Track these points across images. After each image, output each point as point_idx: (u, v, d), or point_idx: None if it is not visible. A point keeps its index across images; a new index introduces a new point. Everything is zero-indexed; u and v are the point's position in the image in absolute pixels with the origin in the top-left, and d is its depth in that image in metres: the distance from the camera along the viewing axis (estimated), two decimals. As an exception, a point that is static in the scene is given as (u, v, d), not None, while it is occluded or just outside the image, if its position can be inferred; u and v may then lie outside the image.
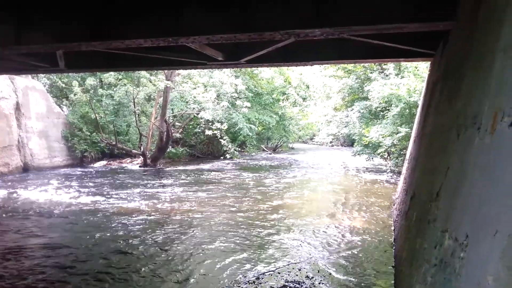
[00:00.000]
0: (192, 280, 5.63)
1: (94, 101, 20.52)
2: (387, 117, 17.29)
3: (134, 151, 20.60)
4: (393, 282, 5.55)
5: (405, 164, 9.55)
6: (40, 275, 5.76)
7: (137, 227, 8.43)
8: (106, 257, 6.55)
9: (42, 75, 20.78)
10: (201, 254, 6.73)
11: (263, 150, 34.32)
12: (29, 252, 6.77)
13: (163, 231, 8.10)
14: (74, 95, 20.06)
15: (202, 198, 11.76)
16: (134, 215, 9.45)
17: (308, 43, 6.96)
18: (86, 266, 6.15)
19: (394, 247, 7.06)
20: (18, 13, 5.70)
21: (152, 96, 22.28)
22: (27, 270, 5.95)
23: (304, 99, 33.08)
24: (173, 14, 5.21)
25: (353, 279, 5.77)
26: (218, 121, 22.23)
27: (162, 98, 20.52)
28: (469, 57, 3.41)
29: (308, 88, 32.80)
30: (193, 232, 8.09)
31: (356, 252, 6.99)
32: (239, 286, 5.40)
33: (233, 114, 24.63)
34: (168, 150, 21.29)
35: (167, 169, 19.37)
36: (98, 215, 9.47)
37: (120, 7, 5.44)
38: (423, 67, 15.35)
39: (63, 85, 21.40)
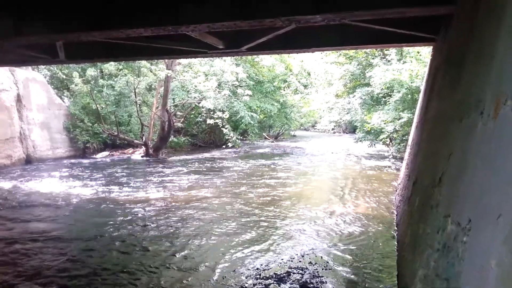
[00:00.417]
0: (196, 269, 5.69)
1: (95, 92, 20.49)
2: (389, 103, 17.24)
3: (136, 141, 20.64)
4: (395, 266, 5.60)
5: (407, 150, 9.55)
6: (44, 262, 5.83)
7: (141, 215, 8.49)
8: (115, 249, 6.61)
9: (43, 67, 20.72)
10: (205, 243, 6.78)
11: (265, 138, 34.32)
12: (40, 241, 6.84)
13: (167, 220, 8.15)
14: (75, 85, 20.03)
15: (205, 187, 11.81)
16: (139, 204, 9.51)
17: (309, 29, 6.91)
18: (91, 260, 6.21)
19: (396, 233, 7.10)
20: (18, 5, 5.66)
21: (153, 86, 22.23)
22: (42, 261, 6.02)
23: (305, 86, 32.97)
24: (174, 2, 5.17)
25: (356, 264, 5.82)
26: (219, 110, 22.20)
27: (163, 87, 20.47)
28: (471, 42, 3.39)
29: (310, 75, 32.65)
30: (197, 221, 8.14)
31: (358, 238, 7.03)
32: (243, 273, 5.46)
33: (235, 102, 24.58)
34: (170, 139, 21.30)
35: (170, 158, 19.42)
36: (104, 205, 9.54)
37: (119, -4, 5.40)
38: (425, 52, 15.23)
39: (64, 76, 21.36)
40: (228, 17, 5.11)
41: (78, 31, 5.72)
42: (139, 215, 8.60)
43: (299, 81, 32.39)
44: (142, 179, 13.15)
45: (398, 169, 14.59)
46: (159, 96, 21.41)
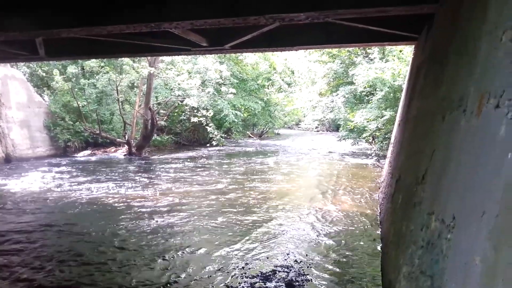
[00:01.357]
0: (180, 269, 5.63)
1: (76, 89, 20.15)
2: (372, 101, 17.40)
3: (118, 139, 20.38)
4: (379, 263, 5.65)
5: (390, 148, 9.65)
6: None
7: (123, 216, 8.37)
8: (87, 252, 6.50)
9: (22, 64, 20.28)
10: (188, 243, 6.72)
11: (249, 136, 34.31)
12: (16, 242, 6.68)
13: (149, 219, 8.06)
14: (56, 83, 19.66)
15: (188, 186, 11.73)
16: (119, 204, 9.38)
17: (293, 27, 6.92)
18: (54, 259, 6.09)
19: (380, 230, 7.17)
20: (-6, -1, 5.51)
21: (135, 84, 21.98)
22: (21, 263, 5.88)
23: (289, 84, 33.07)
24: (156, -2, 5.10)
25: (341, 262, 5.85)
26: (203, 108, 22.10)
27: (145, 85, 20.25)
28: (455, 40, 3.42)
29: (293, 73, 32.75)
30: (180, 220, 8.07)
31: (342, 236, 7.07)
32: (228, 272, 5.43)
33: (219, 100, 24.50)
34: (153, 138, 21.10)
35: (153, 157, 19.24)
36: (82, 205, 9.37)
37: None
38: (407, 51, 15.41)
39: (44, 74, 20.95)
40: (212, 15, 5.07)
41: (59, 27, 5.60)
42: (119, 215, 8.48)
43: (283, 80, 32.48)
44: (124, 178, 12.98)
45: (381, 167, 14.73)
46: (141, 94, 21.18)
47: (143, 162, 17.44)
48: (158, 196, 10.30)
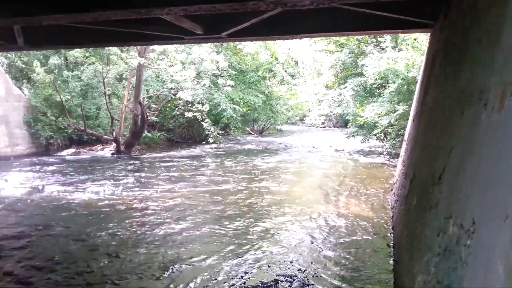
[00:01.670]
0: (176, 278, 5.64)
1: (59, 82, 20.13)
2: (384, 95, 17.39)
3: (105, 136, 20.37)
4: (392, 271, 5.65)
5: (404, 145, 9.64)
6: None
7: (109, 221, 8.37)
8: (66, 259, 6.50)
9: (-1, 54, 20.27)
10: (183, 250, 6.73)
11: (249, 133, 34.30)
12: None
13: (139, 224, 8.06)
14: (37, 75, 19.64)
15: (182, 188, 11.73)
16: (106, 208, 9.38)
17: (296, 13, 6.90)
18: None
19: (392, 235, 7.17)
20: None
21: (124, 76, 21.94)
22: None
23: (292, 76, 33.03)
24: (146, -18, 5.08)
25: (349, 270, 5.85)
26: (198, 102, 22.08)
27: (135, 77, 20.24)
28: (474, 27, 3.41)
29: (297, 64, 32.69)
30: (174, 225, 8.07)
31: (351, 241, 7.07)
32: (226, 282, 5.43)
33: (215, 94, 24.47)
34: (143, 135, 21.10)
35: (143, 156, 19.25)
36: (65, 208, 9.37)
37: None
38: (423, 39, 15.39)
39: (23, 65, 20.93)
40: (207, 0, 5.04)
41: (39, 14, 5.58)
42: (106, 220, 8.48)
43: (285, 71, 32.42)
44: (111, 179, 12.98)
45: (393, 166, 14.73)
46: (130, 87, 21.15)
47: (133, 161, 17.45)
48: (148, 199, 10.31)
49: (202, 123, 22.78)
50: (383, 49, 18.47)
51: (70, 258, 6.34)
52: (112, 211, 9.13)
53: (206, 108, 22.27)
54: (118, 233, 7.53)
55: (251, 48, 28.84)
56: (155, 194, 10.83)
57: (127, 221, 8.30)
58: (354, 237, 7.32)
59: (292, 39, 8.17)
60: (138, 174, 14.21)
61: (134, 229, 7.76)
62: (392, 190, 10.33)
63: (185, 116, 22.71)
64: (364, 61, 18.14)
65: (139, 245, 6.88)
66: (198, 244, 6.95)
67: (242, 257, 6.34)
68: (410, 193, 5.82)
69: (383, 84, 18.04)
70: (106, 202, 10.00)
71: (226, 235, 7.42)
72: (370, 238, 7.31)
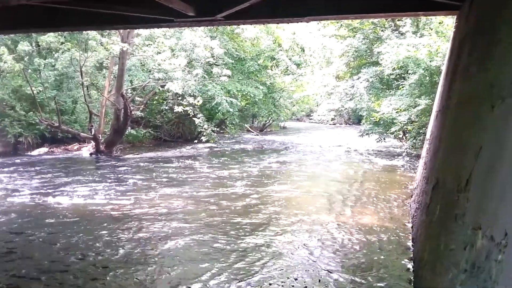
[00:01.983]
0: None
1: (29, 71, 20.11)
2: (403, 87, 17.38)
3: (83, 134, 20.37)
4: (411, 291, 5.63)
5: (425, 145, 9.63)
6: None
7: (82, 233, 8.36)
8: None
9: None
10: (171, 267, 6.70)
11: (248, 130, 34.35)
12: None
13: (120, 239, 8.04)
14: (4, 63, 19.61)
15: (170, 193, 11.70)
16: (80, 218, 9.36)
17: (303, -8, 6.88)
18: None
19: (412, 249, 7.15)
20: None
21: (104, 64, 21.96)
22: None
23: (298, 65, 33.05)
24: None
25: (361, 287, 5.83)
26: (189, 95, 22.07)
27: (117, 66, 20.24)
28: (507, 8, 3.39)
29: (303, 51, 32.72)
30: (161, 237, 8.05)
31: (365, 256, 7.05)
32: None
33: (209, 85, 24.48)
34: (126, 132, 21.11)
35: (126, 156, 19.23)
36: (33, 217, 9.35)
37: None
38: (449, 23, 15.35)
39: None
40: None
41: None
42: (80, 233, 8.44)
43: (290, 59, 32.46)
44: (88, 183, 12.96)
45: (413, 170, 14.71)
46: (112, 77, 21.16)
47: (114, 162, 17.44)
48: (130, 208, 10.25)
49: (194, 119, 22.81)
50: (402, 34, 18.45)
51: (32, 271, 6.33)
52: (84, 221, 9.09)
53: (198, 101, 22.31)
54: (84, 249, 7.52)
55: (250, 32, 28.87)
56: (137, 201, 10.79)
57: (101, 232, 8.28)
58: (369, 251, 7.30)
59: (298, 22, 8.15)
60: (119, 177, 14.19)
61: (106, 241, 7.74)
62: (412, 197, 10.32)
63: (175, 110, 22.72)
64: (380, 48, 18.12)
65: (118, 262, 6.86)
66: (189, 260, 6.92)
67: (240, 273, 6.31)
68: (433, 200, 5.80)
69: (402, 75, 18.02)
70: (81, 209, 9.98)
71: (220, 247, 7.39)
72: (387, 252, 7.29)
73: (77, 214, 9.58)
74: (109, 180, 13.55)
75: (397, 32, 19.15)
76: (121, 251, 7.24)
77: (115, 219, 9.21)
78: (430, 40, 16.04)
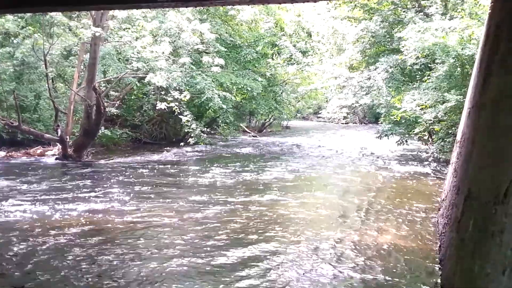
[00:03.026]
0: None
1: (-18, 60, 20.12)
2: (429, 79, 17.38)
3: (47, 135, 20.33)
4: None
5: (456, 149, 9.62)
6: None
7: (42, 252, 8.34)
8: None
9: None
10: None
11: (244, 131, 34.37)
12: None
13: (91, 261, 8.02)
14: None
15: (151, 210, 11.62)
16: (45, 234, 9.33)
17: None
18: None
19: (440, 272, 7.14)
20: None
21: (73, 52, 21.95)
22: None
23: (304, 53, 33.08)
24: None
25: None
26: (175, 89, 22.05)
27: (88, 54, 20.23)
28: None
29: (310, 37, 32.81)
30: (138, 264, 8.02)
31: (384, 282, 7.04)
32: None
33: (198, 77, 24.48)
34: (99, 133, 21.07)
35: (99, 162, 19.18)
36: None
37: None
38: (485, 2, 15.36)
39: None
40: None
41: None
42: (39, 252, 8.42)
43: (294, 46, 32.48)
44: (51, 194, 12.88)
45: (441, 178, 14.71)
46: (82, 67, 21.16)
47: (84, 169, 17.38)
48: (101, 224, 10.19)
49: (180, 117, 22.78)
50: (428, 16, 18.47)
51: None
52: (47, 236, 9.05)
53: (185, 96, 22.25)
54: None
55: (247, 14, 28.84)
56: (111, 216, 10.74)
57: (66, 253, 8.25)
58: (388, 275, 7.28)
59: (304, 2, 8.12)
60: (89, 186, 14.11)
61: (82, 264, 7.71)
62: (439, 210, 10.30)
63: (157, 107, 22.69)
64: (402, 33, 18.10)
65: None
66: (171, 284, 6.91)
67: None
68: (465, 214, 5.79)
69: (428, 65, 18.05)
70: (41, 223, 9.92)
71: (209, 270, 7.37)
72: (410, 276, 7.27)
73: (33, 230, 9.54)
74: (77, 190, 13.48)
75: (422, 13, 19.18)
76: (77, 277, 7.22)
77: (81, 235, 9.17)
78: (462, 23, 16.03)
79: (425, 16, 18.72)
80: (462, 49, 15.47)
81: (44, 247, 8.56)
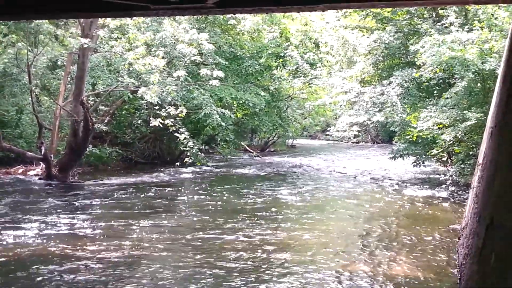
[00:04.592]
0: None
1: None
2: (447, 95, 17.38)
3: (30, 153, 20.32)
4: None
5: (477, 172, 9.61)
6: None
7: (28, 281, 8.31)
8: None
9: None
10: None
11: (245, 150, 34.34)
12: None
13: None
14: None
15: (144, 235, 11.58)
16: (26, 263, 9.31)
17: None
18: None
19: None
20: None
21: (59, 63, 22.02)
22: None
23: (312, 65, 33.07)
24: None
25: None
26: (170, 104, 22.05)
27: (76, 65, 20.30)
28: None
29: (318, 47, 32.87)
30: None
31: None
32: None
33: (195, 91, 24.50)
34: (87, 151, 21.06)
35: (86, 183, 19.15)
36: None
37: None
38: (505, 14, 15.46)
39: None
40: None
41: None
42: (23, 280, 8.40)
43: (301, 57, 32.52)
44: (33, 218, 12.85)
45: (461, 203, 14.67)
46: (69, 79, 21.21)
47: (70, 191, 17.35)
48: (88, 253, 10.14)
49: (175, 135, 22.74)
50: (446, 27, 18.54)
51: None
52: (31, 264, 9.02)
53: (181, 112, 22.23)
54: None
55: (250, 23, 28.96)
56: (94, 243, 10.68)
57: (59, 278, 8.23)
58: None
59: (311, 11, 8.18)
60: (75, 211, 14.08)
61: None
62: (459, 239, 10.25)
63: (151, 124, 22.67)
64: (418, 45, 18.12)
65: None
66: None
67: None
68: (487, 244, 5.77)
69: (447, 80, 18.07)
70: (23, 251, 9.90)
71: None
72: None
73: (22, 256, 9.52)
74: (62, 215, 13.43)
75: (440, 24, 19.24)
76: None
77: (70, 259, 9.15)
78: (482, 35, 16.08)
79: (442, 27, 18.78)
80: (482, 63, 15.50)
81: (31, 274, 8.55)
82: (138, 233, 11.75)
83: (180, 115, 22.22)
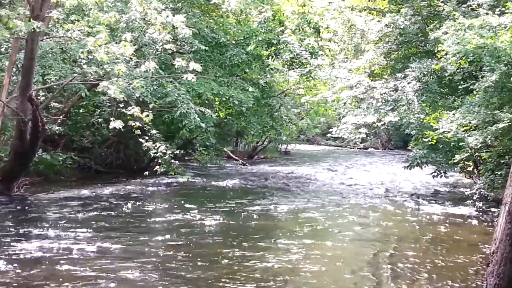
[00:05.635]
0: None
1: None
2: (474, 92, 17.43)
3: (-34, 161, 20.30)
4: None
5: (510, 185, 9.66)
6: None
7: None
8: None
9: None
10: None
11: (229, 157, 34.32)
12: None
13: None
14: None
15: (103, 257, 11.58)
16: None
17: None
18: None
19: None
20: None
21: (3, 50, 21.98)
22: None
23: (311, 54, 33.05)
24: None
25: None
26: (138, 101, 22.01)
27: (24, 54, 20.27)
28: None
29: (319, 33, 32.91)
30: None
31: None
32: None
33: (169, 86, 24.46)
34: (36, 157, 21.01)
35: (35, 196, 19.08)
36: None
37: None
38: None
39: None
40: None
41: None
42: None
43: (299, 44, 32.53)
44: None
45: (491, 223, 14.73)
46: (14, 69, 21.17)
47: (14, 206, 17.28)
48: (40, 276, 10.18)
49: (143, 139, 22.67)
50: (473, 9, 18.59)
51: None
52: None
53: (150, 112, 22.17)
54: None
55: (235, 2, 28.91)
56: (52, 264, 10.69)
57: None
58: None
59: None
60: (20, 231, 14.03)
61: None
62: (488, 266, 10.30)
63: (113, 126, 22.57)
64: (439, 32, 18.10)
65: None
66: None
67: None
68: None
69: (473, 73, 18.14)
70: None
71: None
72: None
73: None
74: (5, 236, 13.41)
75: (466, 5, 19.28)
76: None
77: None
78: (517, 19, 16.11)
79: (469, 9, 18.80)
80: (516, 53, 15.53)
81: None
82: (91, 251, 11.73)
83: (148, 116, 22.00)
